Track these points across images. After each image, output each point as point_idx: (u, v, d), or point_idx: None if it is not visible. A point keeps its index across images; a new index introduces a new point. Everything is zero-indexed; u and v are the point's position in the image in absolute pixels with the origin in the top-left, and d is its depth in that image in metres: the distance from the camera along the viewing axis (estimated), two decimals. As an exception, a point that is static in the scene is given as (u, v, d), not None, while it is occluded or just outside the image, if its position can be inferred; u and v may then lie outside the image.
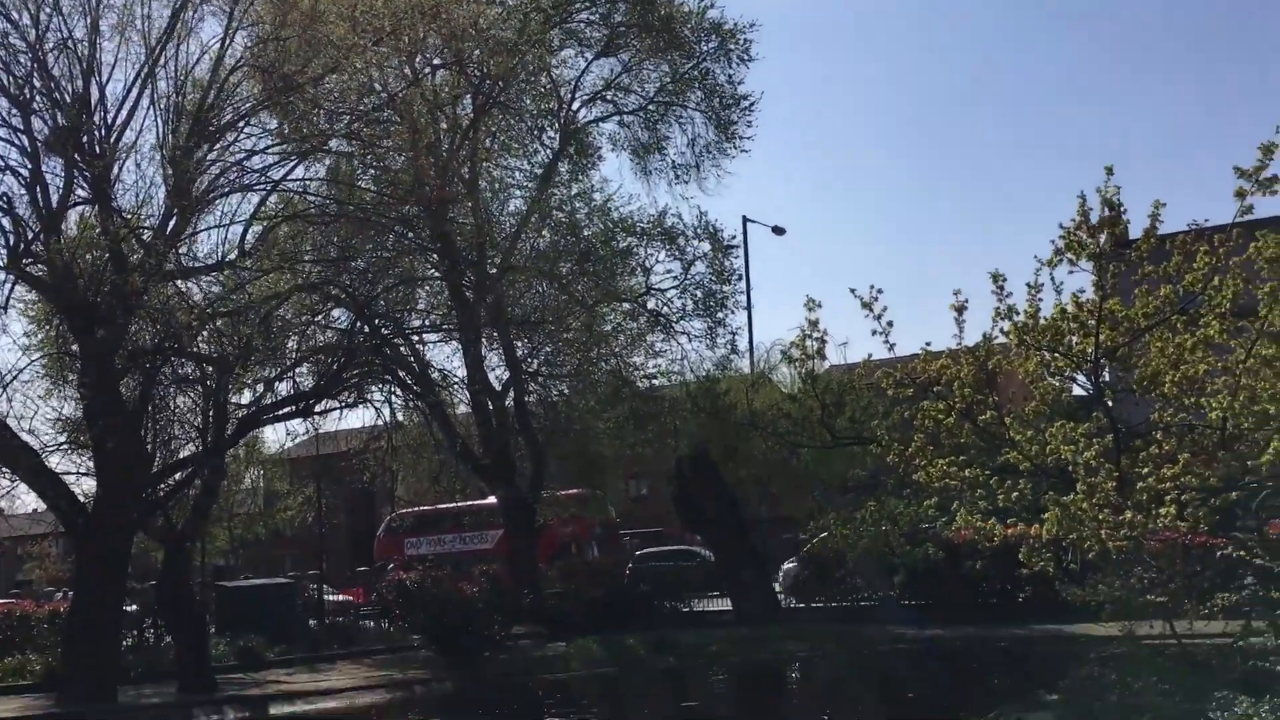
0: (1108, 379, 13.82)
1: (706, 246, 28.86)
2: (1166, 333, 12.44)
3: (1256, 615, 11.46)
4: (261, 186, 21.35)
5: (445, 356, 39.44)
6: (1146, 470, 11.47)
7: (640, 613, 28.84)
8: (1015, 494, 12.49)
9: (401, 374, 29.05)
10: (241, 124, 20.87)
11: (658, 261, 29.72)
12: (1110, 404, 13.03)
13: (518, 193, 30.12)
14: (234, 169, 20.76)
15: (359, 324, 25.66)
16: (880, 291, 13.39)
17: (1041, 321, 12.73)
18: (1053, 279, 12.54)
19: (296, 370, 24.64)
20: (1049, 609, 22.80)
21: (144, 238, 19.50)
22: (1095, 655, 13.10)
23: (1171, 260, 12.15)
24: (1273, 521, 13.62)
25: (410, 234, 27.62)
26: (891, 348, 13.76)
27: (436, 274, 28.94)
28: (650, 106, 30.92)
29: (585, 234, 28.00)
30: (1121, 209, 12.38)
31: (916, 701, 17.03)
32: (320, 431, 31.64)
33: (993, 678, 18.33)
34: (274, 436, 57.30)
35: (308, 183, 24.59)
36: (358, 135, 22.63)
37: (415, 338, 29.81)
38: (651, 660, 22.22)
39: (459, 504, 36.15)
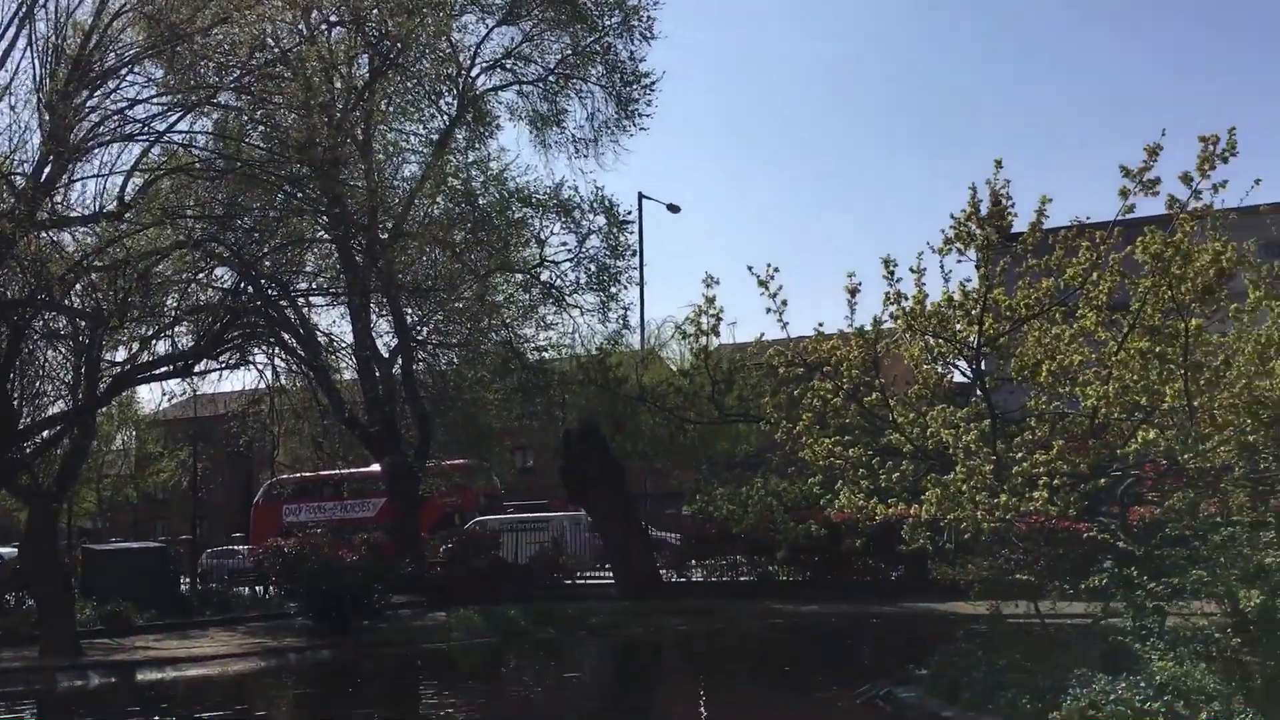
0: (988, 366, 14.26)
1: (602, 221, 28.87)
2: (1045, 324, 12.88)
3: (1116, 597, 11.96)
4: (144, 137, 20.60)
5: (332, 321, 38.77)
6: (1021, 455, 11.88)
7: (522, 584, 28.86)
8: (896, 474, 12.81)
9: (286, 337, 28.41)
10: (125, 71, 20.07)
11: (553, 234, 29.64)
12: (989, 391, 13.43)
13: (413, 158, 29.68)
14: (115, 118, 19.97)
15: (243, 284, 24.97)
16: (776, 270, 13.59)
17: (928, 308, 13.05)
18: (941, 267, 12.87)
19: (175, 329, 23.89)
20: (921, 588, 23.67)
21: (16, 184, 18.63)
22: (963, 633, 13.53)
23: (1054, 254, 12.56)
24: (1134, 508, 14.22)
25: (300, 194, 26.90)
26: (785, 326, 14.00)
27: (326, 236, 28.29)
28: (551, 78, 30.68)
29: (480, 203, 27.70)
30: (1010, 202, 12.75)
31: (791, 675, 17.40)
32: (198, 393, 30.80)
33: (865, 653, 18.84)
34: (149, 397, 55.63)
35: (193, 136, 23.82)
36: (248, 90, 21.93)
37: (302, 300, 29.18)
38: (533, 631, 22.24)
39: (341, 471, 35.56)
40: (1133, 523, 13.40)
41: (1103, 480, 12.74)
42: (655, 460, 33.46)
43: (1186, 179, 11.66)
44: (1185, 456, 11.59)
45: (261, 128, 24.78)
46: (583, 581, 31.64)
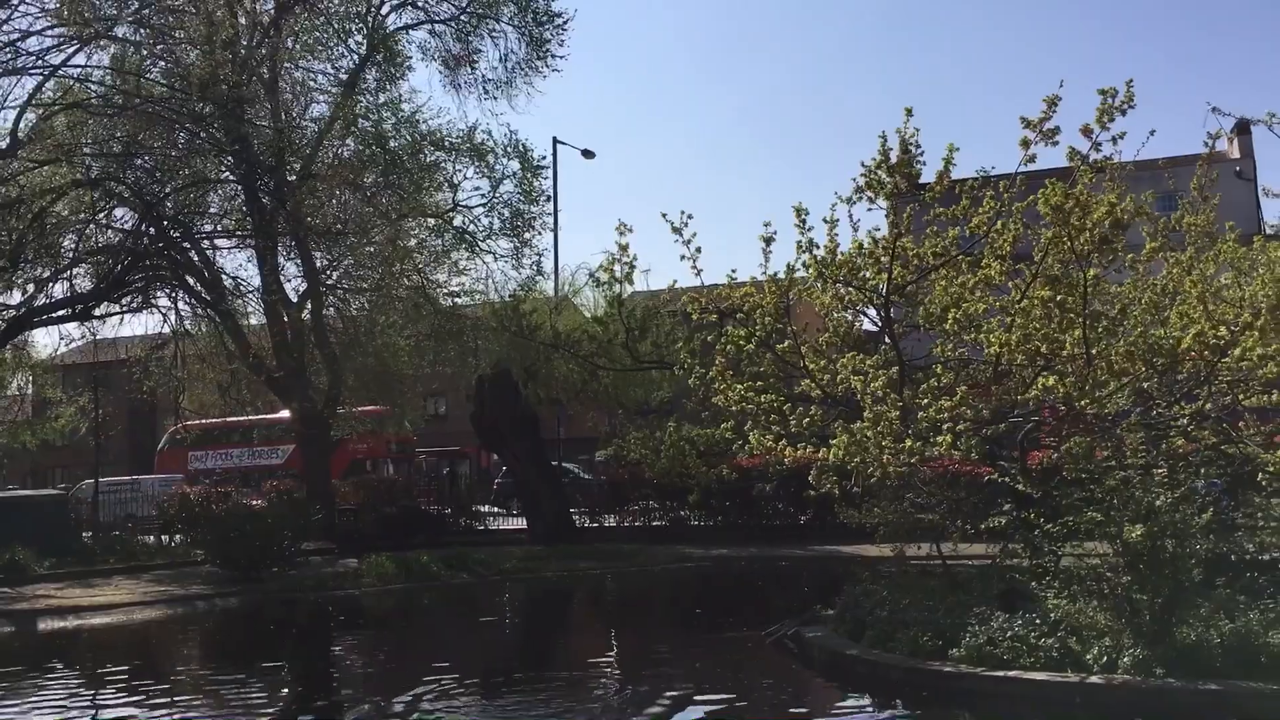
0: (896, 314, 14.53)
1: (516, 166, 28.51)
2: (951, 272, 13.14)
3: (1014, 538, 12.38)
4: (38, 71, 19.81)
5: (239, 264, 37.88)
6: (927, 401, 12.15)
7: (435, 530, 28.81)
8: (806, 420, 13.03)
9: (191, 280, 27.75)
10: (16, 1, 19.20)
11: (465, 178, 29.21)
12: (897, 338, 13.68)
13: (321, 98, 28.87)
14: (6, 50, 19.13)
15: (145, 225, 24.28)
16: (690, 217, 13.61)
17: (839, 256, 13.22)
18: (850, 216, 13.02)
19: (74, 271, 23.17)
20: (829, 531, 24.21)
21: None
22: (868, 574, 13.88)
23: (960, 203, 12.79)
24: (1033, 453, 14.67)
25: (203, 133, 26.16)
26: (699, 274, 14.06)
27: (231, 177, 27.58)
28: (463, 17, 30.03)
29: (391, 145, 27.11)
30: (919, 151, 12.90)
31: (701, 617, 17.71)
32: (99, 337, 29.99)
33: (774, 595, 19.22)
34: (46, 340, 53.90)
35: (90, 71, 22.93)
36: (148, 23, 21.16)
37: (207, 243, 28.50)
38: (446, 576, 22.23)
39: (249, 418, 34.98)
40: (1032, 467, 13.83)
41: (1003, 425, 13.12)
42: (569, 406, 33.51)
43: (1086, 131, 11.93)
44: (1083, 403, 11.98)
45: (162, 64, 23.96)
46: (497, 528, 31.72)
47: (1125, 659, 9.35)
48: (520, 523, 30.68)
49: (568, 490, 32.87)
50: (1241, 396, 13.24)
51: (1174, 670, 9.15)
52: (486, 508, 33.94)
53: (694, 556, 25.15)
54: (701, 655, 13.63)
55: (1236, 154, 43.05)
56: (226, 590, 20.83)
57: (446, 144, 27.86)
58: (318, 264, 28.64)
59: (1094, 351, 11.89)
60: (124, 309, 27.82)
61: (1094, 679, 9.33)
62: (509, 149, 28.29)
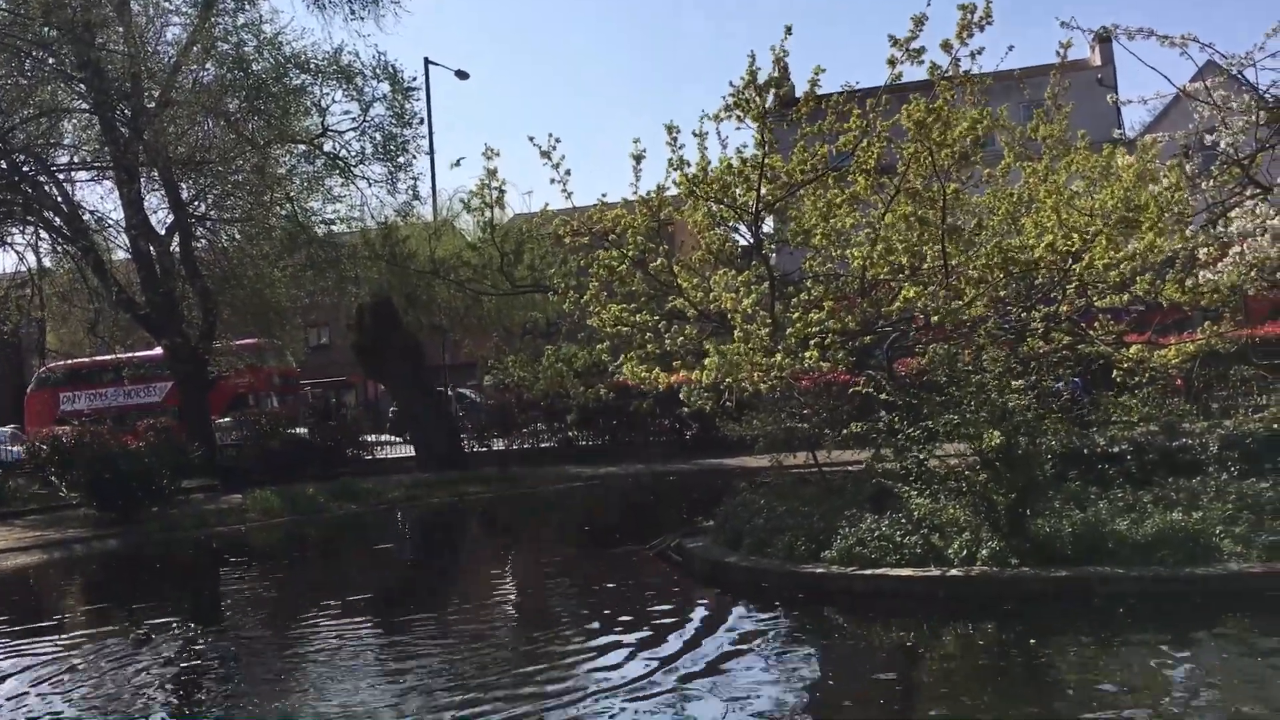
0: (767, 230, 14.77)
1: (386, 88, 27.80)
2: (819, 189, 13.39)
3: (884, 444, 12.84)
4: None
5: (99, 197, 36.42)
6: (797, 316, 12.44)
7: (322, 462, 28.54)
8: (681, 339, 13.24)
9: (48, 215, 26.60)
10: None
11: (334, 102, 28.52)
12: (768, 254, 13.92)
13: (176, 20, 27.68)
14: None
15: (-7, 158, 23.11)
16: (559, 141, 13.55)
17: (710, 174, 13.33)
18: (718, 133, 13.13)
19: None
20: (712, 445, 24.76)
21: None
22: (747, 484, 14.28)
23: (826, 119, 12.99)
24: (900, 360, 15.16)
25: (51, 60, 24.91)
26: (570, 196, 14.06)
27: (85, 106, 26.34)
28: (323, -73, 28.93)
29: (254, 69, 26.18)
30: (787, 71, 13.05)
31: (588, 534, 18.02)
32: (-50, 277, 28.64)
33: (659, 509, 19.64)
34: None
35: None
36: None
37: (62, 175, 27.28)
38: (333, 508, 22.13)
39: (121, 355, 33.90)
40: (899, 375, 14.32)
41: (870, 336, 13.53)
42: (451, 332, 33.34)
43: (946, 46, 12.17)
44: (943, 311, 12.43)
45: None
46: (385, 457, 31.57)
47: (984, 552, 9.87)
48: (412, 450, 30.60)
49: (456, 415, 32.85)
50: (1094, 298, 13.88)
51: (1028, 560, 9.70)
52: (384, 437, 33.70)
53: (582, 476, 25.47)
54: (588, 571, 13.92)
55: (1098, 62, 44.24)
56: (104, 533, 20.38)
57: (312, 67, 27.01)
58: (183, 195, 27.72)
59: (953, 264, 12.30)
60: (-23, 248, 26.64)
61: (955, 572, 9.83)
62: (378, 71, 27.57)
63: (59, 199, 26.61)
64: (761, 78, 12.71)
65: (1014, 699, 7.26)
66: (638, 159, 13.57)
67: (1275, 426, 11.89)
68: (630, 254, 13.36)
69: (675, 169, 13.40)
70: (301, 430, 32.27)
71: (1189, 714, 6.59)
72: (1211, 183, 13.47)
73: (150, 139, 24.38)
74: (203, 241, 28.92)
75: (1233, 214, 12.62)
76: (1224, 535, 9.61)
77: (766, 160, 12.70)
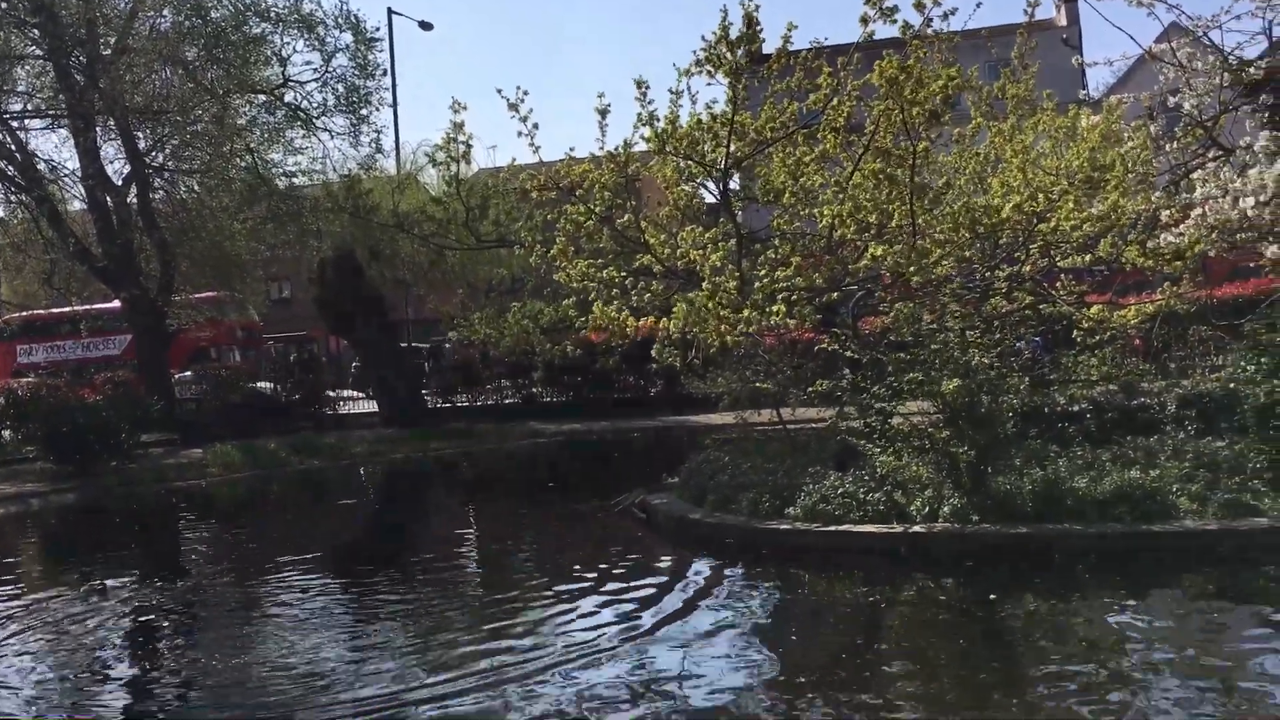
0: (736, 187, 14.70)
1: (348, 38, 27.31)
2: (789, 146, 13.32)
3: (848, 402, 12.93)
4: None
5: (54, 146, 35.73)
6: (764, 272, 12.43)
7: (283, 417, 28.35)
8: (648, 295, 13.19)
9: (1, 164, 26.06)
10: None
11: (295, 51, 27.97)
12: (736, 211, 13.87)
13: (133, -37, 26.98)
14: None
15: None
16: (526, 93, 13.37)
17: (679, 129, 13.22)
18: (688, 89, 12.99)
19: None
20: (678, 403, 24.85)
21: None
22: (710, 441, 14.33)
23: (795, 76, 12.91)
24: (865, 319, 15.22)
25: (4, 4, 24.29)
26: (537, 151, 13.88)
27: (39, 52, 25.71)
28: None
29: (213, 16, 25.65)
30: (759, 28, 12.91)
31: (552, 491, 18.04)
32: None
33: (624, 466, 19.69)
34: None
35: None
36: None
37: (15, 123, 26.69)
38: (295, 463, 22.02)
39: (78, 308, 33.40)
40: (864, 333, 14.38)
41: (836, 294, 13.56)
42: (415, 287, 33.08)
43: (919, 5, 12.10)
44: (909, 270, 12.47)
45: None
46: (347, 412, 31.40)
47: (945, 509, 9.99)
48: (375, 406, 30.45)
49: (422, 370, 32.71)
50: (1057, 258, 13.97)
51: (989, 516, 9.82)
52: (347, 393, 33.49)
53: (546, 432, 25.47)
54: (552, 528, 13.96)
55: (1064, 22, 44.33)
56: (62, 487, 20.18)
57: (273, 15, 26.47)
58: (141, 145, 27.20)
59: (920, 222, 12.32)
60: (-75, 197, 26.06)
61: (917, 528, 9.95)
62: (340, 20, 27.09)
63: (12, 147, 26.06)
64: (734, 33, 12.59)
65: (973, 653, 7.37)
66: (603, 113, 13.42)
67: (1232, 386, 12.06)
68: (597, 210, 13.26)
69: (644, 124, 13.27)
70: (264, 385, 32.03)
71: (1144, 668, 6.71)
72: (1175, 145, 13.57)
73: (106, 87, 23.88)
74: (161, 193, 28.45)
75: (1195, 176, 12.71)
76: (1180, 493, 9.79)
77: (736, 117, 12.60)
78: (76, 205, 28.98)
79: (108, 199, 27.08)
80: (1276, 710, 5.81)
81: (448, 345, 33.73)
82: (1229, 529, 9.21)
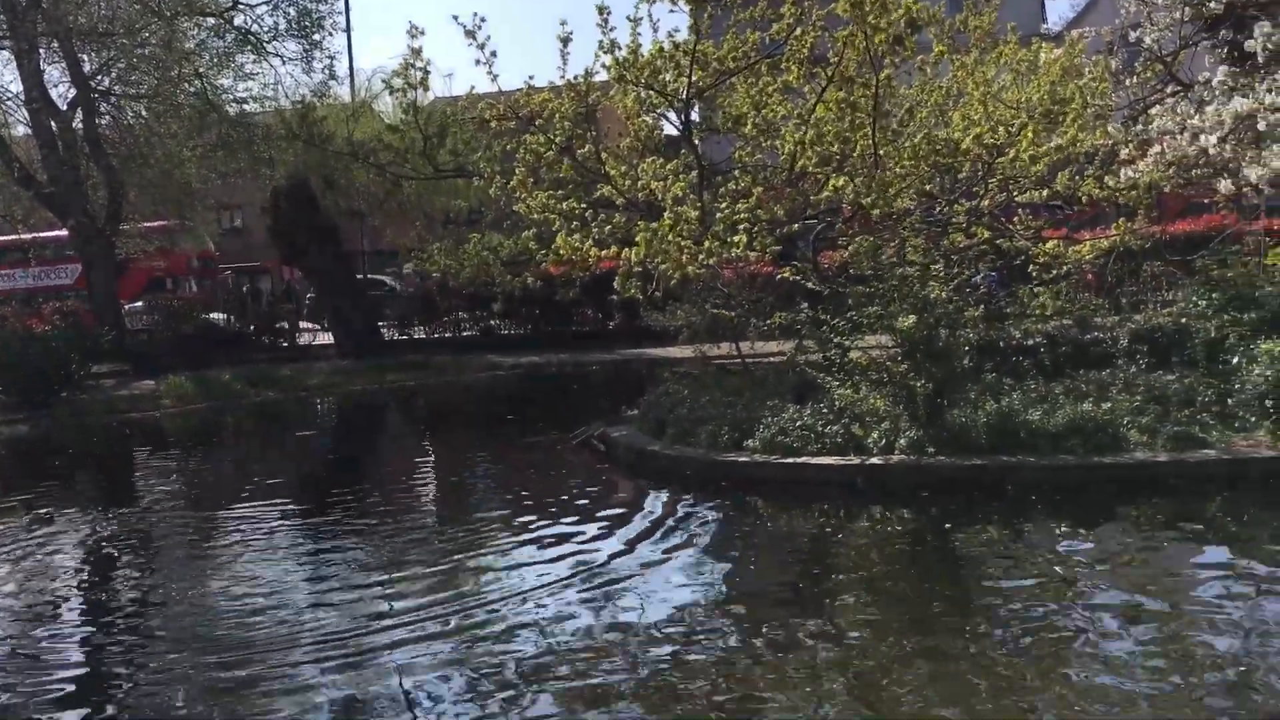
0: (698, 118, 14.57)
1: (300, -43, 26.67)
2: (751, 77, 13.21)
3: (807, 335, 12.98)
4: None
5: (-4, 70, 34.66)
6: (725, 204, 12.38)
7: (237, 348, 28.04)
8: (609, 227, 13.11)
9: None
10: None
11: (244, -28, 27.18)
12: (698, 142, 13.77)
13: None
14: None
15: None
16: (484, 20, 13.10)
17: (641, 59, 13.04)
18: (650, 16, 12.81)
19: None
20: (637, 335, 24.82)
21: None
22: (669, 374, 14.34)
23: (758, 5, 12.75)
24: (825, 252, 15.25)
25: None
26: (495, 79, 13.65)
27: (-24, -30, 24.84)
28: None
29: (158, -66, 24.88)
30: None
31: (511, 423, 18.02)
32: None
33: (582, 399, 19.70)
34: None
35: None
36: None
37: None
38: (250, 395, 21.81)
39: (25, 236, 32.63)
40: (824, 266, 14.42)
41: (797, 226, 13.55)
42: (371, 218, 32.67)
43: (883, -68, 11.94)
44: (869, 202, 12.46)
45: None
46: (305, 343, 31.09)
47: (902, 441, 10.09)
48: (330, 338, 30.17)
49: (376, 302, 32.40)
50: (1015, 193, 14.04)
51: (945, 449, 9.94)
52: (303, 325, 33.12)
53: (504, 365, 25.38)
54: (511, 460, 13.96)
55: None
56: (11, 417, 19.87)
57: (221, -66, 25.74)
58: (86, 69, 26.46)
59: (881, 153, 12.29)
60: None
61: (874, 460, 10.05)
62: (291, -62, 26.41)
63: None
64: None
65: (927, 581, 7.49)
66: (565, 41, 13.25)
67: (1183, 321, 12.25)
68: (557, 140, 13.10)
69: (605, 53, 13.08)
70: (217, 315, 31.61)
71: (1095, 593, 6.87)
72: (1134, 79, 13.62)
73: (49, 7, 23.16)
74: (107, 118, 27.75)
75: (1153, 111, 12.77)
76: (1131, 426, 9.96)
77: (699, 46, 12.45)
78: (20, 130, 28.24)
79: (52, 124, 26.41)
80: (1218, 632, 5.97)
81: (388, 280, 33.41)
82: (1178, 460, 9.40)
